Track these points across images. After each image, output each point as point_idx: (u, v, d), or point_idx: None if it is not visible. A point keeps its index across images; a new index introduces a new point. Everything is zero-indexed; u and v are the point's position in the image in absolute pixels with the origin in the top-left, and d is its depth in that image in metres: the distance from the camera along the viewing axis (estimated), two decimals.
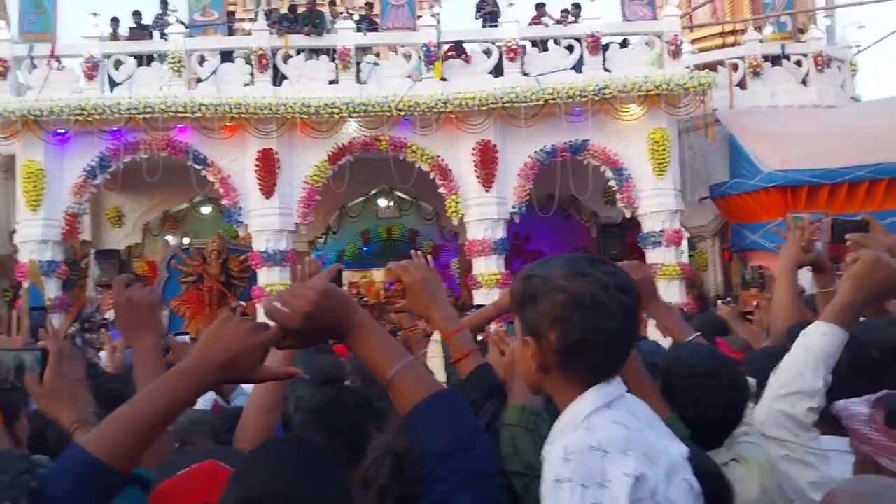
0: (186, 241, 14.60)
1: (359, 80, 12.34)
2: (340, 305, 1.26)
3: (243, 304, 13.56)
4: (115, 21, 13.05)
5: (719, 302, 7.57)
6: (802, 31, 14.83)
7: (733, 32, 15.24)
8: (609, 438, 1.20)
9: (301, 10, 13.34)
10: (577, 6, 13.18)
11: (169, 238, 14.61)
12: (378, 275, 15.26)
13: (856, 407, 1.63)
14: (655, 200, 12.42)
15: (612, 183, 12.73)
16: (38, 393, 1.76)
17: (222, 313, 13.47)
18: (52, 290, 11.63)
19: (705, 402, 1.79)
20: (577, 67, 12.47)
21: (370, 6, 13.98)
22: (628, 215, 12.94)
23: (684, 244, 13.49)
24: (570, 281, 1.28)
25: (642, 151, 12.44)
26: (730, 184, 13.12)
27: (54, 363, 1.76)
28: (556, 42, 12.84)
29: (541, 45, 12.92)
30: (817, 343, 1.67)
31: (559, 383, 1.32)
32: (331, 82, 12.33)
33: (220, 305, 13.82)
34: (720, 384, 1.81)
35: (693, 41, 15.02)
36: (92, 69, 12.17)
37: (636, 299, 1.32)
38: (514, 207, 12.41)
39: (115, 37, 12.92)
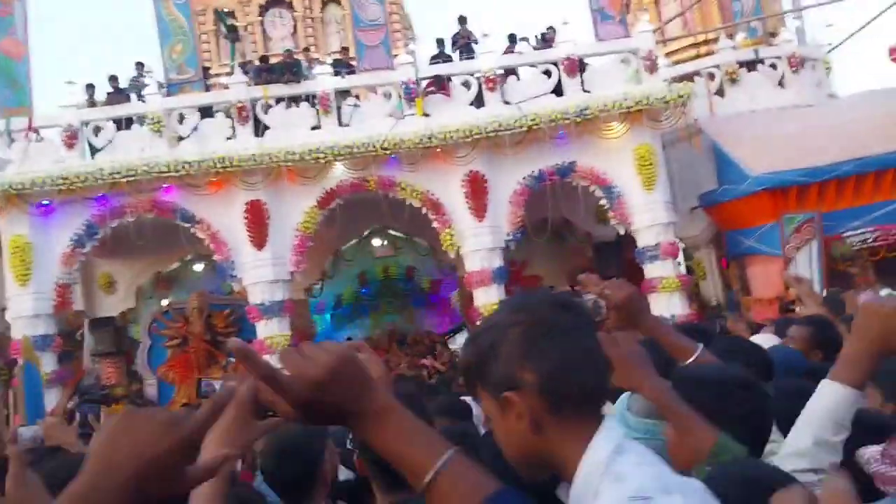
0: (164, 302, 14.17)
1: (341, 123, 12.30)
2: (358, 382, 1.02)
3: (234, 360, 13.23)
4: (90, 87, 12.93)
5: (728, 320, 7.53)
6: (774, 35, 15.04)
7: (706, 42, 15.40)
8: (644, 484, 1.05)
9: (274, 60, 13.35)
10: (550, 28, 13.28)
11: (164, 301, 14.34)
12: None
13: (869, 451, 1.57)
14: (648, 215, 12.40)
15: (602, 202, 12.73)
16: None
17: (213, 373, 13.13)
18: (48, 364, 11.37)
19: (759, 413, 1.76)
20: (557, 91, 12.51)
21: (345, 50, 14.01)
22: (622, 232, 12.92)
23: (681, 255, 13.47)
24: (516, 315, 1.18)
25: (629, 168, 12.45)
26: (719, 191, 13.14)
27: (17, 470, 1.30)
28: (534, 66, 12.90)
29: (518, 73, 12.98)
30: (812, 402, 1.62)
31: (558, 439, 1.13)
32: (313, 128, 12.28)
33: (210, 366, 13.39)
34: (756, 395, 1.80)
35: (667, 54, 15.16)
36: (71, 138, 12.03)
37: (586, 314, 1.21)
38: (508, 235, 12.35)
39: (92, 103, 12.79)
